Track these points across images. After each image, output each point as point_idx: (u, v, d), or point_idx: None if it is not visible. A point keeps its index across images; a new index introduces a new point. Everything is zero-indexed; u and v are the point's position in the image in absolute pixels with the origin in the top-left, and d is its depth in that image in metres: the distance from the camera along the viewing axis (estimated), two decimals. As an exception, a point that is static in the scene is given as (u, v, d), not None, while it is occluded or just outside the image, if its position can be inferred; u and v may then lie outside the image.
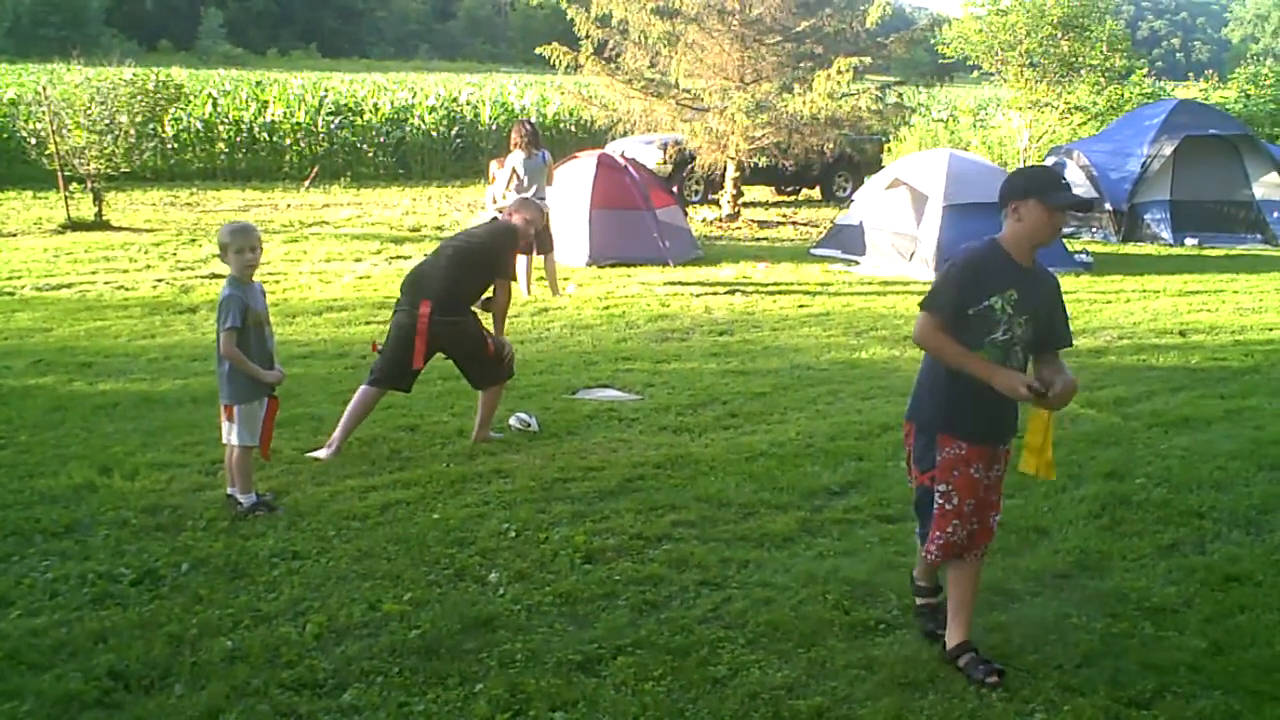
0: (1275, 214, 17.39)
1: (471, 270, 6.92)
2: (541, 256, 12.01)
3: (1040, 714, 3.98)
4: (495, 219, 8.31)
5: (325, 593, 4.82)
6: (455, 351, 6.97)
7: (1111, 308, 12.00)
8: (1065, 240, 15.61)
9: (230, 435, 5.72)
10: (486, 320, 7.11)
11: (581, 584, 4.94)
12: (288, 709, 3.91)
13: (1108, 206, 17.71)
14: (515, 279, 7.21)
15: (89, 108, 16.63)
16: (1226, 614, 4.75)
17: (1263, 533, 5.76)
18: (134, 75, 17.81)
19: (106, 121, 16.64)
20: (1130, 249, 16.99)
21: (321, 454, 6.66)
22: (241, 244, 5.59)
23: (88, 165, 16.45)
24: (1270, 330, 11.01)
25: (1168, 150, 17.56)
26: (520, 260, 10.78)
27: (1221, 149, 17.72)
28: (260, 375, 5.63)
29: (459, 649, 4.36)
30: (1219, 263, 15.25)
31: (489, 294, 7.03)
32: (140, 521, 5.57)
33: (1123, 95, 23.60)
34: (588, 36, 17.78)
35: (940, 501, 4.21)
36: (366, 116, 26.36)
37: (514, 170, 11.79)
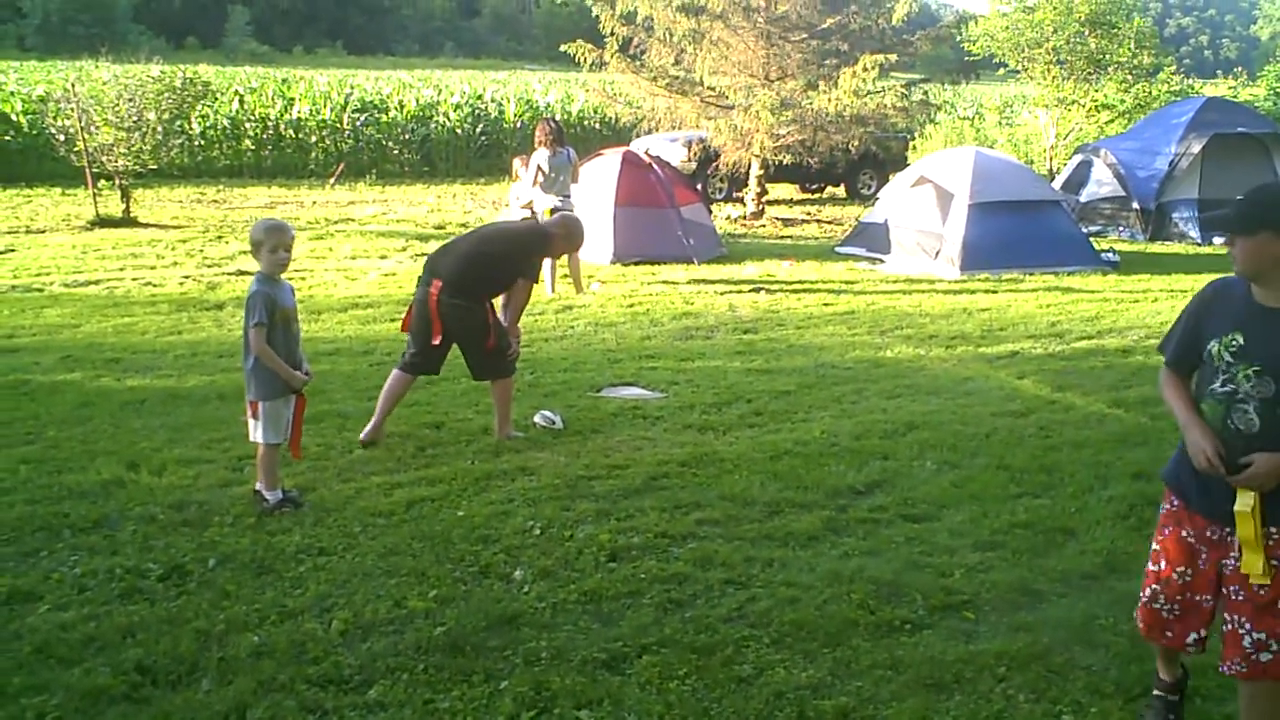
0: (1305, 213, 17.24)
1: (490, 260, 6.92)
2: (565, 254, 12.00)
3: (1067, 715, 3.97)
4: (527, 219, 8.34)
5: (351, 589, 4.84)
6: (457, 336, 6.95)
7: (1139, 307, 11.92)
8: (1092, 239, 15.51)
9: (255, 433, 5.74)
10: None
11: (606, 582, 4.94)
12: (313, 705, 3.93)
13: (1135, 205, 17.59)
14: (540, 281, 7.20)
15: (117, 105, 16.73)
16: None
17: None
18: (161, 73, 17.91)
19: (134, 119, 16.73)
20: (1158, 248, 16.86)
21: (363, 435, 6.86)
22: (276, 242, 5.61)
23: (115, 162, 16.56)
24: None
25: (1196, 148, 17.41)
26: (545, 259, 10.78)
27: (1250, 147, 17.56)
28: (288, 374, 5.64)
29: (484, 646, 4.37)
30: (1248, 262, 15.03)
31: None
32: (167, 517, 5.60)
33: (1150, 93, 23.39)
34: (612, 33, 17.75)
35: (1149, 560, 3.75)
36: (392, 114, 26.45)
37: (539, 168, 11.79)
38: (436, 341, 6.85)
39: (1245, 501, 3.32)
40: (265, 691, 4.00)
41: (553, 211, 11.66)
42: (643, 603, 4.77)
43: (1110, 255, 14.84)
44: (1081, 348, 10.02)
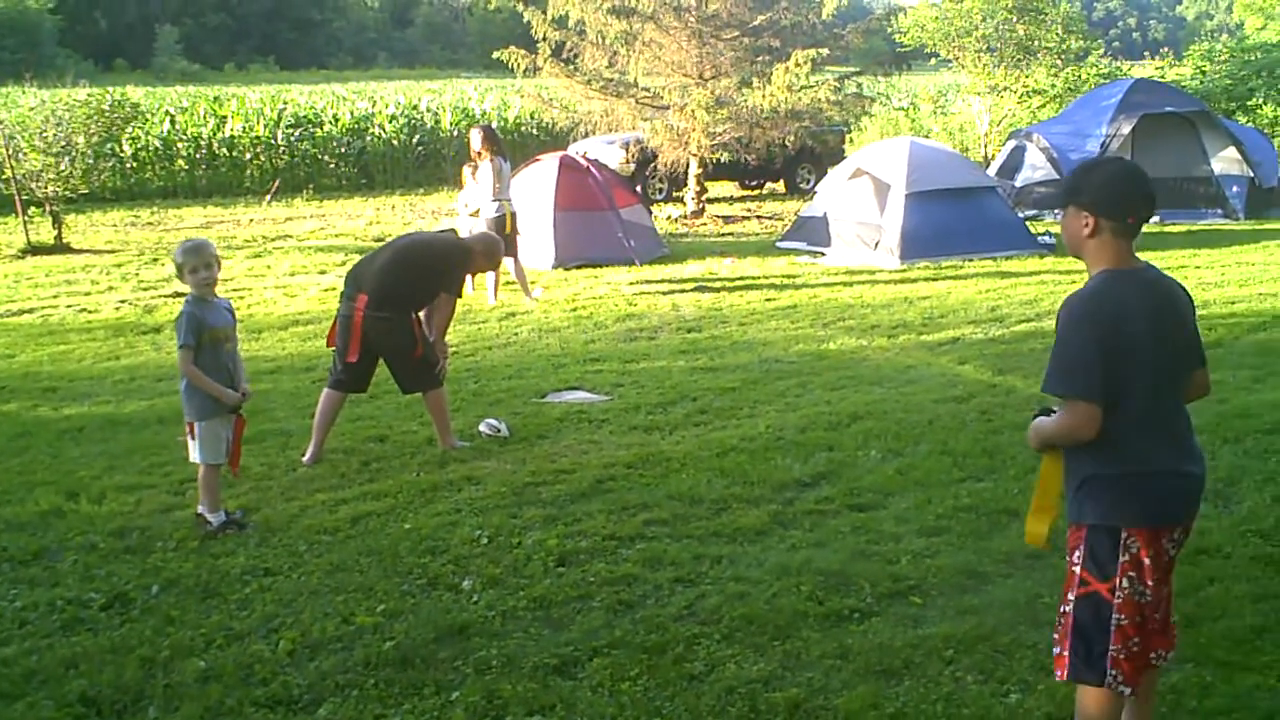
0: (1234, 188, 17.55)
1: (412, 271, 6.85)
2: (508, 261, 11.97)
3: (1015, 695, 4.01)
4: (449, 230, 8.29)
5: (298, 608, 4.80)
6: (383, 350, 6.88)
7: (1075, 287, 12.04)
8: (1028, 223, 15.69)
9: (194, 453, 5.68)
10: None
11: (555, 587, 4.94)
12: (263, 727, 3.89)
13: (1069, 187, 17.80)
14: (461, 295, 7.15)
15: (44, 130, 16.46)
16: (1197, 586, 4.79)
17: (1230, 505, 5.81)
18: (88, 96, 17.60)
19: (63, 144, 16.47)
20: (1093, 229, 17.06)
21: (305, 458, 6.77)
22: (195, 263, 5.56)
23: (45, 188, 16.28)
24: (1232, 304, 11.11)
25: (1126, 129, 17.67)
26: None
27: (1179, 126, 17.84)
28: (220, 393, 5.58)
29: (434, 658, 4.35)
30: (1180, 238, 15.33)
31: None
32: (109, 545, 5.53)
33: (1080, 76, 23.73)
34: (545, 39, 17.72)
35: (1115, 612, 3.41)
36: (326, 128, 26.20)
37: (494, 178, 11.66)
38: (354, 360, 6.76)
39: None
40: (213, 716, 3.96)
41: (510, 214, 11.62)
42: (592, 606, 4.77)
43: (1046, 238, 15.01)
44: (1021, 330, 10.15)
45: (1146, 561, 3.26)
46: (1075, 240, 3.40)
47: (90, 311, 11.92)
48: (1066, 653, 3.33)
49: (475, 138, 11.90)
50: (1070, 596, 3.35)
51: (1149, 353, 3.27)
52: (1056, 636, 3.40)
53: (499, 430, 7.28)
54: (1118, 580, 3.26)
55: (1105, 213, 3.31)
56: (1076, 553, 3.36)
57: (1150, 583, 3.27)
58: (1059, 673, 3.39)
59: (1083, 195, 3.36)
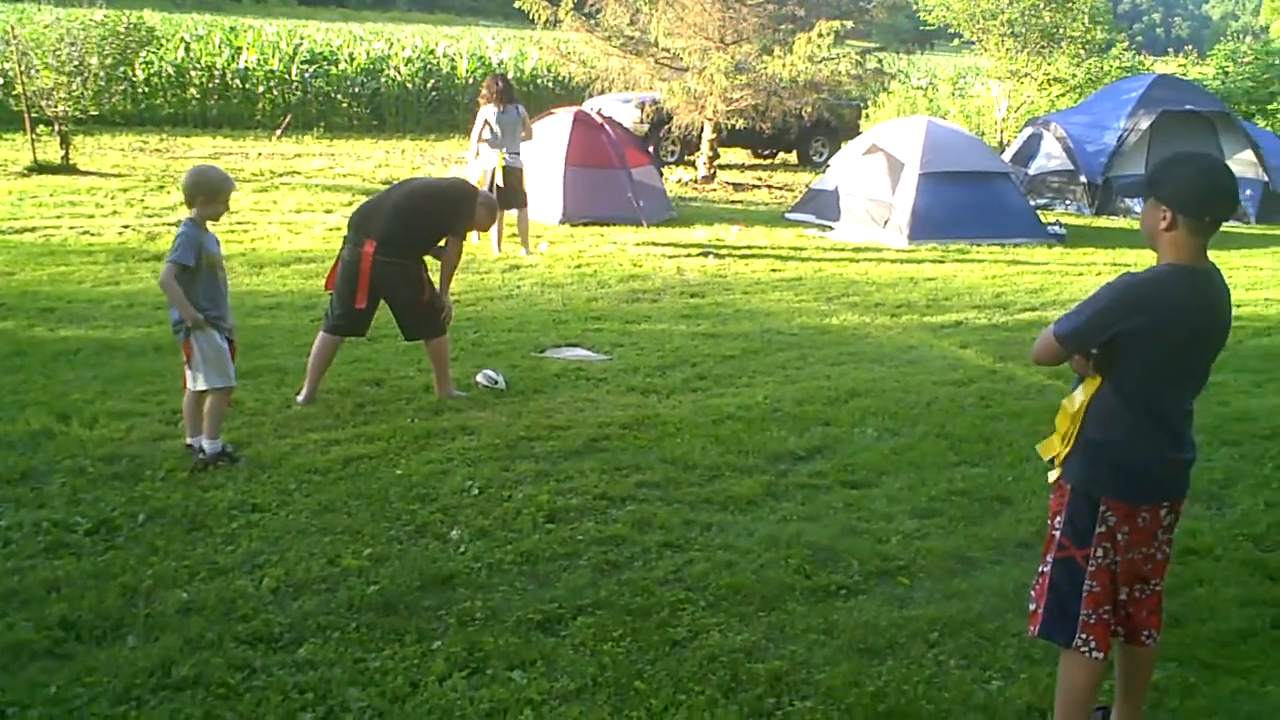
0: (1248, 192, 17.43)
1: (420, 216, 6.78)
2: (514, 213, 11.91)
3: (997, 681, 4.00)
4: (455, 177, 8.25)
5: (284, 546, 4.78)
6: (392, 295, 6.82)
7: (1083, 280, 12.02)
8: (1039, 212, 15.62)
9: (200, 382, 5.60)
10: (437, 270, 7.01)
11: (543, 543, 4.92)
12: (242, 663, 3.87)
13: (1083, 179, 17.72)
14: (466, 238, 7.09)
15: (58, 48, 16.28)
16: (1184, 587, 4.78)
17: (1224, 507, 5.80)
18: (105, 17, 17.40)
19: (76, 63, 16.29)
20: (1103, 222, 17.02)
21: (300, 398, 6.71)
22: (219, 197, 5.58)
23: (55, 107, 16.14)
24: (1238, 308, 10.91)
25: (1144, 124, 17.55)
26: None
27: (1198, 125, 17.71)
28: (189, 313, 5.46)
29: (418, 606, 4.33)
30: (1190, 238, 15.18)
31: (441, 244, 6.92)
32: (98, 470, 5.50)
33: (1102, 68, 23.57)
34: (567, -9, 17.55)
35: (1087, 579, 3.51)
36: (341, 66, 25.98)
37: (486, 123, 11.65)
38: (362, 305, 6.70)
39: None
40: (192, 649, 3.94)
41: (504, 168, 11.56)
42: (579, 564, 4.75)
43: (1056, 228, 14.95)
44: (1025, 319, 10.10)
45: (1121, 537, 3.37)
46: (1152, 232, 3.36)
47: (93, 234, 11.84)
48: (1041, 609, 3.48)
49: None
50: (1048, 558, 3.49)
51: (1184, 350, 3.31)
52: (1033, 594, 3.54)
53: (496, 382, 7.25)
54: (1093, 549, 3.39)
55: (1184, 209, 3.27)
56: (1058, 517, 3.47)
57: (1130, 554, 3.40)
58: (1031, 628, 3.53)
59: (1164, 189, 3.32)
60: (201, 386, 5.62)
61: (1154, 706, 3.85)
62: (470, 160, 12.23)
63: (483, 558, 4.75)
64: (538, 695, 3.76)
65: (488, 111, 11.65)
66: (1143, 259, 13.44)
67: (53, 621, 4.05)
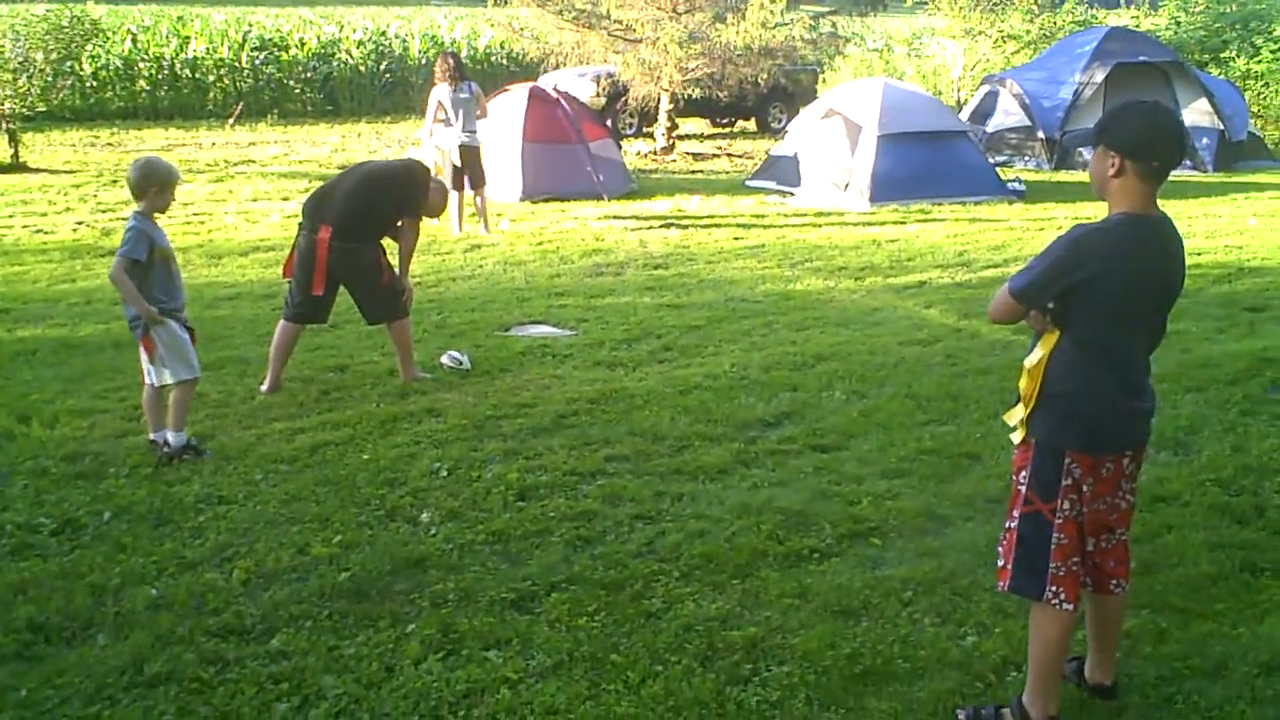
0: (1204, 140, 17.55)
1: (376, 199, 6.73)
2: (473, 192, 11.83)
3: (972, 637, 4.02)
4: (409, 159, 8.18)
5: (252, 537, 4.74)
6: (350, 281, 6.77)
7: (1044, 235, 12.06)
8: (999, 169, 15.65)
9: (164, 376, 5.53)
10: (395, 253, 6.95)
11: (514, 521, 4.90)
12: (214, 656, 3.84)
13: (1040, 135, 17.77)
14: (421, 219, 7.03)
15: (1, 46, 16.05)
16: (1154, 534, 4.81)
17: (1190, 453, 5.84)
18: (48, 12, 17.15)
19: (20, 60, 16.06)
20: (1063, 176, 17.06)
21: (263, 387, 6.65)
22: (167, 187, 5.51)
23: (2, 105, 15.90)
24: (1198, 255, 11.11)
25: (1099, 77, 17.61)
26: (451, 196, 10.59)
27: (1152, 76, 17.78)
28: (143, 307, 5.39)
29: (390, 590, 4.31)
30: (1148, 189, 15.27)
31: (399, 226, 6.86)
32: (60, 470, 5.43)
33: (1055, 23, 23.62)
34: (517, -34, 17.40)
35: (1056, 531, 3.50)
36: (292, 52, 25.69)
37: (439, 104, 11.56)
38: (319, 292, 6.64)
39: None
40: (163, 645, 3.90)
41: (461, 146, 11.48)
42: (551, 541, 4.74)
43: (1016, 184, 14.99)
44: (988, 276, 10.12)
45: (1086, 488, 3.37)
46: (1100, 180, 3.36)
47: (46, 232, 11.67)
48: (1010, 565, 3.47)
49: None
50: (1015, 513, 3.47)
51: (1139, 299, 3.31)
52: (1001, 550, 3.53)
53: (461, 363, 7.20)
54: (1059, 502, 3.37)
55: (1131, 154, 3.27)
56: (1023, 472, 3.45)
57: (1095, 505, 3.39)
58: (1001, 584, 3.52)
59: (1112, 135, 3.31)
60: (168, 380, 5.56)
61: (1127, 654, 3.87)
62: (425, 141, 12.13)
63: (454, 539, 4.73)
64: (514, 674, 3.75)
65: (440, 92, 11.56)
66: (1102, 212, 13.47)
67: (20, 624, 4.00)
